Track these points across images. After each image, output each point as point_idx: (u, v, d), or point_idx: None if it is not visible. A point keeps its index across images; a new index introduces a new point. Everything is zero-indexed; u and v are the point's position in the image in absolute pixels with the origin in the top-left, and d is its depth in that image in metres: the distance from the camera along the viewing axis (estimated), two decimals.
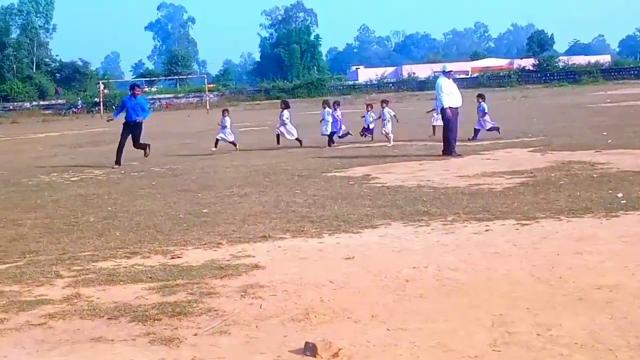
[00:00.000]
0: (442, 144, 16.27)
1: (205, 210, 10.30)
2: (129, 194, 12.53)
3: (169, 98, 77.70)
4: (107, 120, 21.72)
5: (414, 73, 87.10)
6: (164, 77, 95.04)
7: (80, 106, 68.84)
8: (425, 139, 20.09)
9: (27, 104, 71.74)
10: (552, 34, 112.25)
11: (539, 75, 79.09)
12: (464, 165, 14.03)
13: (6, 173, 17.54)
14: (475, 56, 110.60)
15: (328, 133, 20.71)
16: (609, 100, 37.30)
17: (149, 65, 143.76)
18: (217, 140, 20.84)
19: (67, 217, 10.42)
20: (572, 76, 76.07)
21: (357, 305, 5.60)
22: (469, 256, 6.94)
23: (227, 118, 21.06)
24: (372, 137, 20.97)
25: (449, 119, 16.13)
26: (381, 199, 10.48)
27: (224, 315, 5.53)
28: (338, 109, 21.35)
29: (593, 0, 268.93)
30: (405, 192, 11.09)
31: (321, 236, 8.22)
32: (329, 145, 20.29)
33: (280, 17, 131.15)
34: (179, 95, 78.83)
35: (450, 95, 16.31)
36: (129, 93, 19.04)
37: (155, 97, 78.63)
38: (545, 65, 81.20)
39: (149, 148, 18.70)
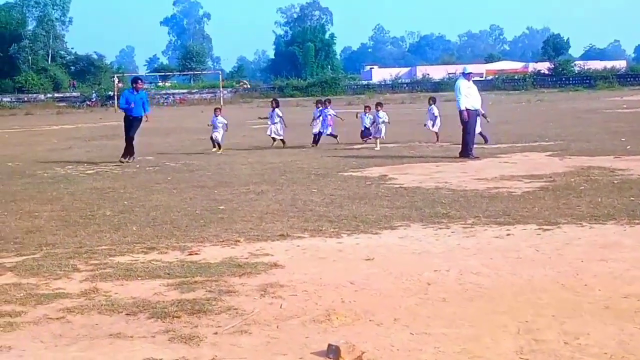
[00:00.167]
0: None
1: (221, 207, 10.24)
2: (144, 189, 12.49)
3: (183, 93, 77.92)
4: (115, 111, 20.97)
5: (428, 74, 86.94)
6: (178, 73, 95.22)
7: (94, 99, 69.12)
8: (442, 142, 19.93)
9: (42, 96, 72.14)
10: (568, 38, 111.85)
11: (554, 79, 78.80)
12: (482, 168, 13.92)
13: (21, 164, 17.56)
14: (490, 59, 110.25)
15: (316, 132, 20.56)
16: (625, 106, 37.06)
17: (164, 60, 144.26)
18: (213, 139, 20.02)
19: (83, 210, 10.38)
20: (587, 81, 75.74)
21: (378, 308, 5.52)
22: (491, 261, 6.84)
23: (219, 117, 20.06)
24: (368, 139, 20.45)
25: (467, 121, 16.00)
26: (399, 200, 10.38)
27: (244, 314, 5.45)
28: (329, 107, 21.05)
29: (609, 6, 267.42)
30: (423, 193, 10.99)
31: (340, 236, 8.13)
32: (313, 144, 20.13)
33: (295, 15, 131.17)
34: (193, 91, 79.04)
35: (469, 97, 16.18)
36: (131, 86, 18.49)
37: (169, 92, 78.95)
38: (560, 69, 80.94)
39: (133, 158, 17.28)
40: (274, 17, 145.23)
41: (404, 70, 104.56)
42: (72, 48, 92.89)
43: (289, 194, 11.35)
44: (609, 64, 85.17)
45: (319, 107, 21.26)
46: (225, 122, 20.18)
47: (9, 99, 70.62)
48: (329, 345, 4.62)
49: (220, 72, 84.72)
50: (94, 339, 5.04)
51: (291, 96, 70.52)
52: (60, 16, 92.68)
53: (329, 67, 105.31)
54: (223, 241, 8.00)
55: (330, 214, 9.42)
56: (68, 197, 11.78)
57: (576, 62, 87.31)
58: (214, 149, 19.75)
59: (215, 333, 5.06)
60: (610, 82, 73.08)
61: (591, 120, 27.39)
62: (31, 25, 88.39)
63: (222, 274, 6.60)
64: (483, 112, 17.36)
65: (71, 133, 31.70)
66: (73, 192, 12.37)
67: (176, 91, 79.91)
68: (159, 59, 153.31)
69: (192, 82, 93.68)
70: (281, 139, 20.57)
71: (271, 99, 23.48)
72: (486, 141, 18.70)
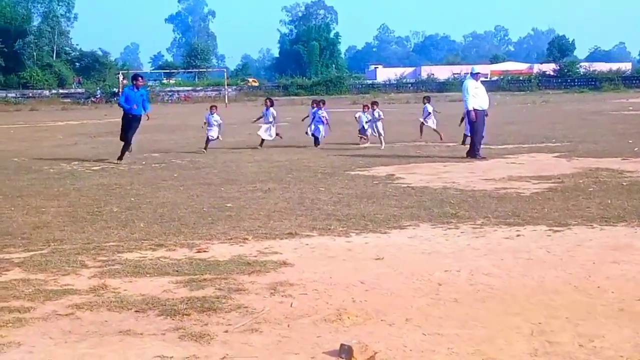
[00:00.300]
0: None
1: (229, 205, 10.19)
2: (151, 185, 12.45)
3: (188, 91, 77.92)
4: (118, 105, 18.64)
5: (433, 74, 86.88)
6: (183, 70, 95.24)
7: (99, 96, 69.10)
8: (445, 142, 19.86)
9: (47, 92, 72.18)
10: (574, 40, 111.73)
11: (559, 80, 78.71)
12: (489, 169, 13.86)
13: (27, 160, 17.53)
14: (494, 59, 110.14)
15: (310, 133, 20.11)
16: (631, 108, 36.97)
17: (168, 57, 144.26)
18: (208, 139, 19.38)
19: (90, 206, 10.34)
20: (592, 83, 75.61)
21: (390, 308, 5.47)
22: (502, 261, 6.79)
23: (215, 115, 19.44)
24: (364, 138, 20.19)
25: (474, 121, 15.94)
26: (407, 200, 10.33)
27: (254, 312, 5.41)
28: (322, 109, 20.47)
29: (614, 8, 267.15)
30: (431, 193, 10.93)
31: (349, 235, 8.08)
32: (315, 145, 19.74)
33: (300, 14, 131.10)
34: (198, 89, 79.03)
35: (476, 97, 16.12)
36: (131, 83, 18.00)
37: (173, 89, 78.96)
38: (566, 70, 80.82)
39: (129, 150, 17.06)
40: (278, 16, 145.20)
41: (409, 70, 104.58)
42: (77, 44, 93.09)
43: (296, 192, 11.30)
44: (614, 66, 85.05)
45: (313, 107, 20.80)
46: (221, 121, 19.72)
47: (13, 95, 70.64)
48: (342, 345, 4.57)
49: (225, 70, 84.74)
50: (103, 335, 5.00)
51: (296, 95, 70.48)
52: (65, 12, 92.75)
53: (334, 66, 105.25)
54: (231, 239, 7.96)
55: (339, 212, 9.38)
56: (74, 193, 11.75)
57: (581, 64, 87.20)
58: (200, 147, 19.29)
59: (226, 331, 5.02)
60: (615, 84, 72.90)
61: (597, 121, 27.30)
62: (36, 21, 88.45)
63: (231, 271, 6.56)
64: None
65: (76, 129, 31.69)
66: (79, 188, 12.33)
67: (181, 88, 79.93)
68: (163, 56, 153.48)
69: (196, 79, 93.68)
70: (278, 135, 20.08)
71: (265, 98, 22.82)
72: (464, 143, 18.57)
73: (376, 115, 19.53)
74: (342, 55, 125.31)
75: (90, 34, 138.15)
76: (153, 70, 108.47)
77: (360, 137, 20.26)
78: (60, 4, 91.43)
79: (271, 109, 20.10)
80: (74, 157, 17.97)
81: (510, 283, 6.08)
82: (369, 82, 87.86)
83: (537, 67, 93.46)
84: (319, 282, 6.23)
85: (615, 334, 4.80)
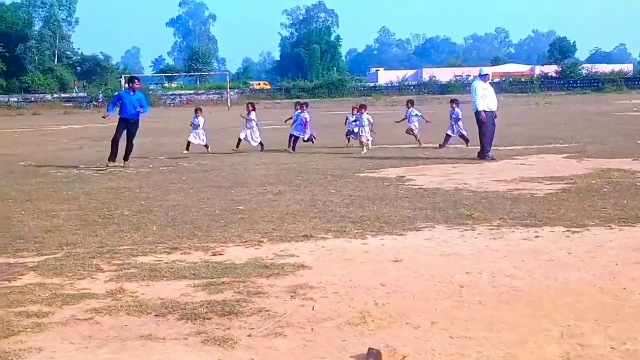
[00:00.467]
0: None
1: (240, 207, 10.11)
2: (160, 189, 12.36)
3: (190, 94, 77.93)
4: (103, 117, 18.17)
5: (435, 76, 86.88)
6: (184, 74, 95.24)
7: (101, 99, 69.09)
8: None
9: (49, 96, 72.20)
10: (574, 42, 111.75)
11: (561, 82, 78.66)
12: (499, 170, 13.77)
13: (33, 164, 17.45)
14: (495, 61, 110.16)
15: (294, 134, 19.70)
16: (635, 109, 36.91)
17: (169, 61, 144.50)
18: (189, 142, 19.35)
19: (100, 209, 10.26)
20: (595, 84, 75.57)
21: (414, 310, 5.39)
22: (523, 263, 6.70)
23: (200, 117, 19.40)
24: (353, 138, 19.98)
25: (483, 122, 15.86)
26: (420, 201, 10.24)
27: (276, 316, 5.32)
28: (305, 111, 20.02)
29: (615, 9, 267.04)
30: (443, 194, 10.85)
31: (364, 237, 8.00)
32: (290, 148, 19.17)
33: (301, 17, 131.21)
34: (200, 92, 79.04)
35: (485, 98, 16.06)
36: (127, 86, 17.38)
37: (175, 93, 78.96)
38: (568, 72, 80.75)
39: (113, 161, 16.25)
40: (279, 19, 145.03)
41: (410, 72, 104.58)
42: (78, 48, 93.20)
43: (307, 194, 11.22)
44: (616, 67, 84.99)
45: (296, 110, 20.42)
46: (203, 122, 19.55)
47: (15, 99, 70.70)
48: (370, 348, 4.48)
49: (227, 73, 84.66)
50: (124, 340, 4.91)
51: (297, 97, 70.38)
52: (67, 16, 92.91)
53: (335, 68, 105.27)
54: (246, 241, 7.87)
55: (352, 214, 9.29)
56: (84, 196, 11.66)
57: (584, 65, 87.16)
58: (185, 151, 19.05)
59: (249, 335, 4.93)
60: (618, 85, 72.86)
61: (603, 122, 27.23)
62: (37, 25, 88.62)
63: (249, 275, 6.47)
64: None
65: (80, 133, 31.59)
66: (88, 191, 12.25)
67: (183, 92, 79.98)
68: (164, 59, 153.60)
69: (197, 83, 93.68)
70: (260, 143, 19.69)
71: (247, 103, 22.35)
72: (467, 143, 18.79)
73: (364, 119, 19.11)
74: (343, 58, 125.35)
75: (91, 38, 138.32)
76: (154, 73, 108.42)
77: (349, 138, 20.20)
78: (61, 8, 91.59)
79: (252, 113, 19.61)
80: (80, 161, 17.88)
81: (533, 285, 5.99)
82: (371, 84, 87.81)
83: (538, 69, 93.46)
84: (338, 284, 6.14)
85: None
